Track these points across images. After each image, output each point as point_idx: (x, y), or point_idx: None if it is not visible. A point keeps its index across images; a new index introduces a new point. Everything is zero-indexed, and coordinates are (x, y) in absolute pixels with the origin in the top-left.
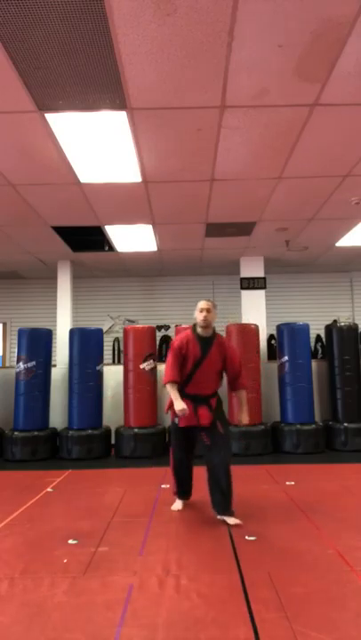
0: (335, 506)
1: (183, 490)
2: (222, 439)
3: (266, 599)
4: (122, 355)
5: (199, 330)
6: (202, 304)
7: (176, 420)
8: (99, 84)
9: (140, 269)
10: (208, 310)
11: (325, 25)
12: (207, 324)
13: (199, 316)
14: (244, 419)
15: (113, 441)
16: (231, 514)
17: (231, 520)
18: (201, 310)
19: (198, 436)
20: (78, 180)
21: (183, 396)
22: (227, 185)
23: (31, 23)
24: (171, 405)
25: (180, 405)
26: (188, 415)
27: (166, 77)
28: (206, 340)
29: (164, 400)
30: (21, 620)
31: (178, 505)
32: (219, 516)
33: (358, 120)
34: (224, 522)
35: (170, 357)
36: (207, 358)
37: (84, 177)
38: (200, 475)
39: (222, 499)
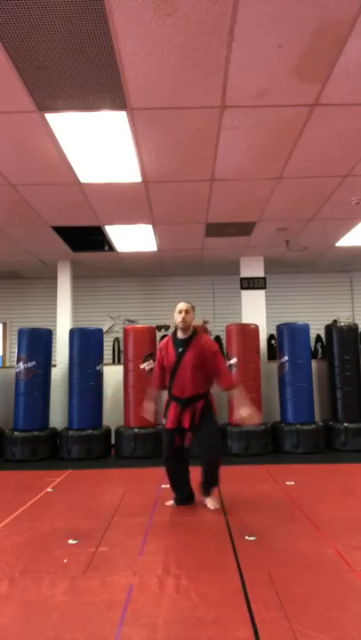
0: (335, 506)
1: (178, 496)
2: (208, 436)
3: (266, 599)
4: (122, 355)
5: (178, 332)
6: (180, 305)
7: (163, 421)
8: (99, 84)
9: (140, 269)
10: (187, 311)
11: (325, 25)
12: (186, 326)
13: (178, 318)
14: (243, 412)
15: (113, 441)
16: (208, 495)
17: (209, 502)
18: (180, 312)
19: (185, 437)
20: (78, 180)
21: (170, 398)
22: (227, 185)
23: (31, 23)
24: (164, 411)
25: (146, 407)
26: (173, 418)
27: (166, 77)
28: (183, 342)
29: (164, 400)
30: (21, 620)
31: (172, 501)
32: (203, 495)
33: (358, 120)
34: (209, 509)
35: (156, 365)
36: (182, 360)
37: (84, 177)
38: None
39: (210, 481)
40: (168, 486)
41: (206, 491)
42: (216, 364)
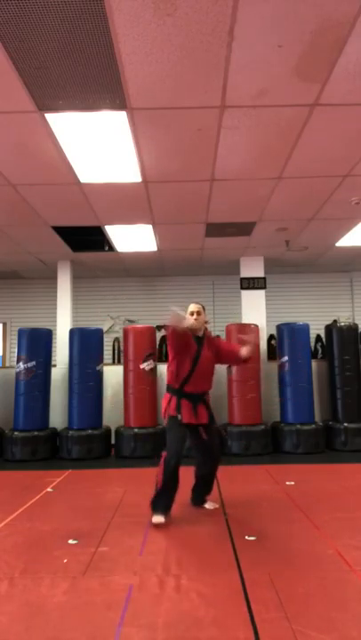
0: (335, 506)
1: (170, 503)
2: (216, 438)
3: (266, 599)
4: (122, 355)
5: (192, 332)
6: (192, 307)
7: (179, 416)
8: (99, 84)
9: (140, 269)
10: (198, 313)
11: (325, 25)
12: (199, 327)
13: (190, 319)
14: (245, 351)
15: (113, 441)
16: (204, 502)
17: (210, 504)
18: (192, 313)
19: (194, 433)
20: (78, 180)
21: (182, 395)
22: (227, 185)
23: (31, 23)
24: (167, 408)
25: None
26: (189, 413)
27: (166, 77)
28: (199, 340)
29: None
30: (21, 620)
31: (160, 518)
32: (200, 505)
33: (358, 120)
34: (207, 507)
35: (168, 339)
36: (202, 355)
37: (84, 177)
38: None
39: (208, 491)
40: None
41: (204, 499)
42: (226, 345)
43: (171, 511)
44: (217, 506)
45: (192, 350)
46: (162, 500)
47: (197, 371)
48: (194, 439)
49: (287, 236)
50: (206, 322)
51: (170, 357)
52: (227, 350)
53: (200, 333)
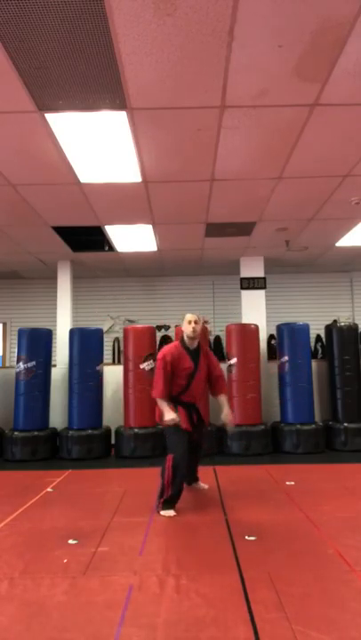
0: (335, 506)
1: (177, 494)
2: (203, 434)
3: (266, 599)
4: (122, 355)
5: (187, 341)
6: (190, 316)
7: (178, 420)
8: (99, 84)
9: (140, 269)
10: (196, 322)
11: (325, 25)
12: (196, 336)
13: (188, 328)
14: (229, 418)
15: (113, 441)
16: (197, 481)
17: (202, 485)
18: (190, 322)
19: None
20: (78, 180)
21: (179, 403)
22: (227, 185)
23: (31, 23)
24: (162, 413)
25: (170, 415)
26: (185, 420)
27: (166, 77)
28: (194, 352)
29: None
30: (21, 620)
31: (171, 512)
32: (194, 483)
33: (358, 120)
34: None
35: (159, 371)
36: (198, 369)
37: (84, 177)
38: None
39: (196, 470)
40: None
41: (194, 479)
42: (219, 369)
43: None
44: (206, 486)
45: (187, 367)
46: (172, 499)
47: (194, 384)
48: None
49: (287, 236)
50: (206, 322)
51: (158, 386)
52: (215, 374)
53: (195, 344)
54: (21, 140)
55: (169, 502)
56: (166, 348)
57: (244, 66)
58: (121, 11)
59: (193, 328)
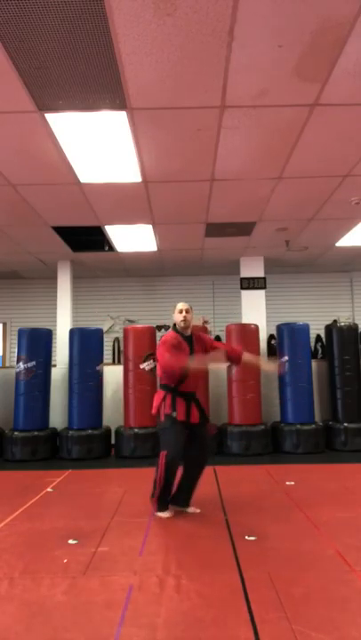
0: (335, 506)
1: (170, 494)
2: (206, 439)
3: (266, 599)
4: (122, 355)
5: (180, 330)
6: (181, 305)
7: (174, 414)
8: (99, 84)
9: (140, 269)
10: (187, 311)
11: (325, 25)
12: (187, 325)
13: (179, 317)
14: (267, 366)
15: (113, 441)
16: (188, 505)
17: (192, 509)
18: (180, 311)
19: (186, 431)
20: (78, 180)
21: (178, 394)
22: (227, 185)
23: (31, 23)
24: (161, 405)
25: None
26: (183, 411)
27: (166, 77)
28: (189, 339)
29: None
30: (21, 620)
31: (166, 513)
32: (182, 507)
33: (358, 120)
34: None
35: (169, 350)
36: (195, 355)
37: (84, 177)
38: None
39: (191, 494)
40: None
41: (188, 503)
42: (217, 344)
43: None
44: (198, 510)
45: (185, 351)
46: (164, 497)
47: (191, 372)
48: (185, 439)
49: (287, 236)
50: (206, 322)
51: (172, 362)
52: (218, 345)
53: (188, 332)
54: (21, 140)
55: (162, 501)
56: (167, 335)
57: (244, 66)
58: (121, 11)
59: (184, 317)
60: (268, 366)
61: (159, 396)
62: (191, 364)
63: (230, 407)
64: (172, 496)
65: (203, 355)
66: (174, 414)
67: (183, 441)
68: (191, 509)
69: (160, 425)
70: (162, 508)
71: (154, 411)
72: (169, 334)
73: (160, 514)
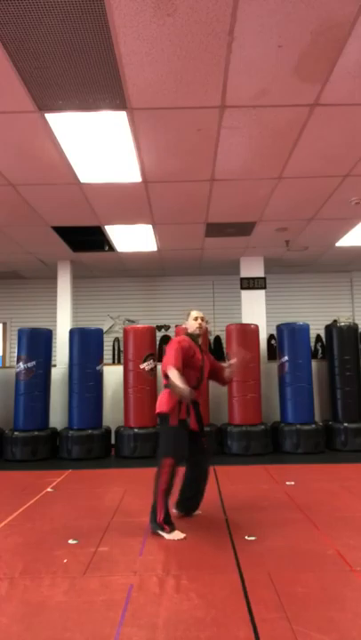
0: (335, 506)
1: (181, 498)
2: (209, 445)
3: (266, 599)
4: (122, 355)
5: (195, 338)
6: (196, 313)
7: (188, 420)
8: (99, 84)
9: (140, 269)
10: (203, 319)
11: (325, 25)
12: (202, 332)
13: (194, 324)
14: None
15: (113, 441)
16: (192, 513)
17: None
18: (196, 319)
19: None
20: (78, 180)
21: (192, 401)
22: (227, 185)
23: (31, 23)
24: (174, 408)
25: (187, 389)
26: (195, 419)
27: (166, 77)
28: (201, 348)
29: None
30: (21, 620)
31: (180, 534)
32: (189, 515)
33: (358, 120)
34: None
35: (175, 351)
36: (205, 365)
37: (84, 177)
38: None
39: (199, 500)
40: None
41: (197, 506)
42: (214, 362)
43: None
44: (200, 512)
45: (199, 358)
46: (167, 510)
47: (203, 379)
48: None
49: (287, 235)
50: (206, 322)
51: (171, 360)
52: (215, 367)
53: (200, 341)
54: (21, 140)
55: (168, 517)
56: (182, 338)
57: (244, 66)
58: (121, 11)
59: (199, 325)
60: (229, 369)
61: (172, 398)
62: (175, 377)
63: (230, 407)
64: (178, 503)
65: (209, 367)
66: (188, 421)
67: (189, 447)
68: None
69: (170, 429)
70: (171, 527)
71: (162, 409)
72: (185, 338)
73: (171, 536)
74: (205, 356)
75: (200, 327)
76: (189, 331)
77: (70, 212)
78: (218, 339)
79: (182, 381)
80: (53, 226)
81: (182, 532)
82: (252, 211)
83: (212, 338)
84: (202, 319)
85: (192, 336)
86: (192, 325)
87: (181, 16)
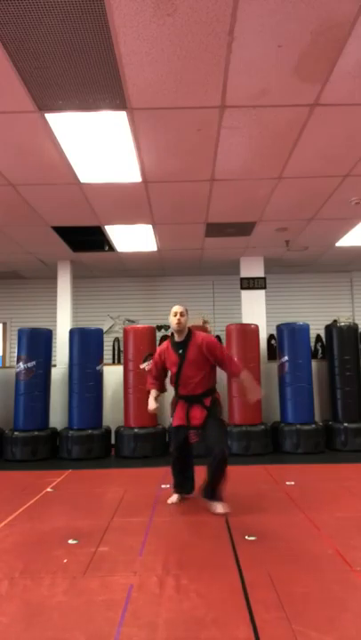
0: (335, 506)
1: (177, 482)
2: (215, 430)
3: (266, 599)
4: (122, 355)
5: (175, 335)
6: (175, 308)
7: (170, 419)
8: (99, 84)
9: (140, 269)
10: (181, 314)
11: (325, 25)
12: (181, 328)
13: (173, 320)
14: (252, 396)
15: (113, 441)
16: (214, 500)
17: (216, 507)
18: (175, 314)
19: (191, 434)
20: (78, 180)
21: (178, 397)
22: (227, 185)
23: (31, 23)
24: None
25: (151, 405)
26: (180, 415)
27: (166, 77)
28: (182, 344)
29: (165, 400)
30: (21, 620)
31: (173, 498)
32: (206, 499)
33: (358, 120)
34: (214, 514)
35: (151, 366)
36: (185, 361)
37: (84, 177)
38: (200, 474)
39: (209, 484)
40: (168, 486)
41: (213, 492)
42: (218, 354)
43: (183, 493)
44: (229, 510)
45: (173, 360)
46: (174, 486)
47: (183, 377)
48: (189, 439)
49: (287, 235)
50: (206, 322)
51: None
52: (216, 360)
53: (182, 337)
54: (21, 140)
55: (173, 488)
56: (159, 347)
57: (244, 66)
58: (121, 11)
59: (177, 320)
60: (251, 396)
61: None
62: (150, 393)
63: (230, 407)
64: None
65: (199, 360)
66: (170, 420)
67: (178, 444)
68: (218, 507)
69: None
70: (173, 492)
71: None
72: (162, 345)
73: (169, 499)
74: (191, 350)
75: (178, 323)
76: (171, 326)
77: (70, 212)
78: (218, 339)
79: (152, 399)
80: (53, 226)
81: (182, 531)
82: (252, 211)
83: None
84: (181, 314)
85: (173, 336)
86: (171, 322)
87: (181, 16)
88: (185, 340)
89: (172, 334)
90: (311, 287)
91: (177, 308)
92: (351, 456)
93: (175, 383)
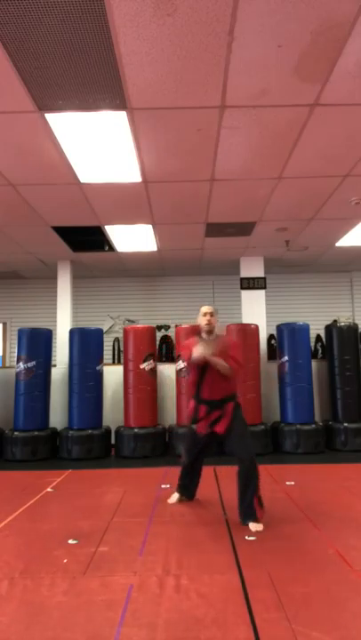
0: (335, 506)
1: (182, 484)
2: (241, 432)
3: (266, 599)
4: (122, 355)
5: (203, 335)
6: (205, 308)
7: (194, 426)
8: (99, 84)
9: (140, 269)
10: (211, 314)
11: (325, 25)
12: (211, 329)
13: (203, 320)
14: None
15: (113, 441)
16: (250, 520)
17: (253, 526)
18: (205, 314)
19: (213, 442)
20: (78, 180)
21: (199, 401)
22: (227, 185)
23: (31, 23)
24: (190, 413)
25: (198, 349)
26: (204, 423)
27: (166, 77)
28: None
29: (165, 400)
30: (21, 620)
31: (173, 498)
32: (243, 523)
33: (358, 120)
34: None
35: (183, 348)
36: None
37: (84, 177)
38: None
39: (242, 502)
40: (168, 486)
41: (250, 506)
42: (232, 352)
43: (186, 497)
44: (259, 529)
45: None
46: (178, 488)
47: (208, 379)
48: (207, 446)
49: (287, 235)
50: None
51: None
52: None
53: (212, 337)
54: (21, 140)
55: (177, 488)
56: (187, 341)
57: (244, 66)
58: (121, 11)
59: (208, 320)
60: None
61: (190, 404)
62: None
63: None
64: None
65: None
66: (194, 427)
67: (195, 452)
68: (253, 527)
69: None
70: (176, 490)
71: (188, 421)
72: (188, 341)
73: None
74: (217, 352)
75: (209, 324)
76: (200, 326)
77: (70, 212)
78: None
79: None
80: (53, 226)
81: (182, 531)
82: (252, 211)
83: None
84: (211, 314)
85: (200, 335)
86: (201, 322)
87: (181, 16)
88: (212, 341)
89: (199, 334)
90: (311, 287)
91: (207, 309)
92: (351, 456)
93: (197, 385)
